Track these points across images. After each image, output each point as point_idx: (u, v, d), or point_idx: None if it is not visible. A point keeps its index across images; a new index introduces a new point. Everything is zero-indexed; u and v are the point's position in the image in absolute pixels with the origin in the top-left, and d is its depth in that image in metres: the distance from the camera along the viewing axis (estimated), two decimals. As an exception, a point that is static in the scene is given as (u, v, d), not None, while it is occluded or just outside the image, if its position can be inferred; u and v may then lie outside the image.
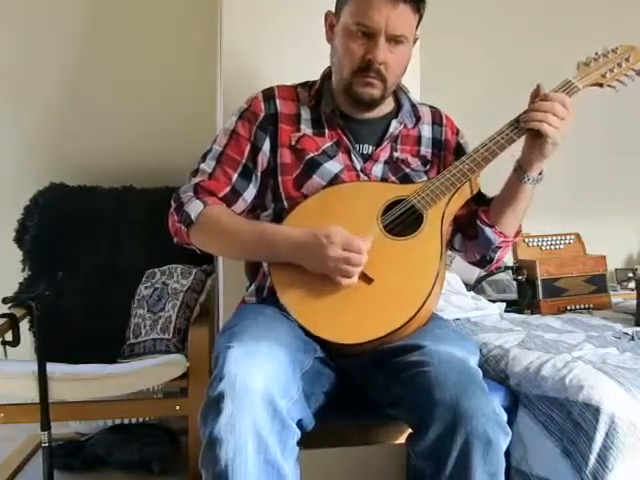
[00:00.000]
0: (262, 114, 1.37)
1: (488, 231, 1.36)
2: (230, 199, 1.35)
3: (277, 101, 1.38)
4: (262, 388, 1.01)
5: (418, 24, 1.33)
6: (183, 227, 1.32)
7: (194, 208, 1.30)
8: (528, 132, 1.27)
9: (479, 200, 1.39)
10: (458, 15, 2.54)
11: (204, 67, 2.35)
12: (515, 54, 2.61)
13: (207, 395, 1.04)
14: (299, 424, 1.10)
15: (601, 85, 1.33)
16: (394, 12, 1.25)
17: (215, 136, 1.41)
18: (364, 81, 1.31)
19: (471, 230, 1.40)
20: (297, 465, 1.07)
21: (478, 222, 1.37)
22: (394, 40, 1.28)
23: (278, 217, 1.36)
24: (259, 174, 1.37)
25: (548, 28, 2.63)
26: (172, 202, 1.36)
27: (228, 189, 1.35)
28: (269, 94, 1.40)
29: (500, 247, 1.39)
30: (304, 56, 1.71)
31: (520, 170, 1.31)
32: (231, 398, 1.00)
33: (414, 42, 1.36)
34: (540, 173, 1.31)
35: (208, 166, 1.36)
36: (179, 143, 2.38)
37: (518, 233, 1.41)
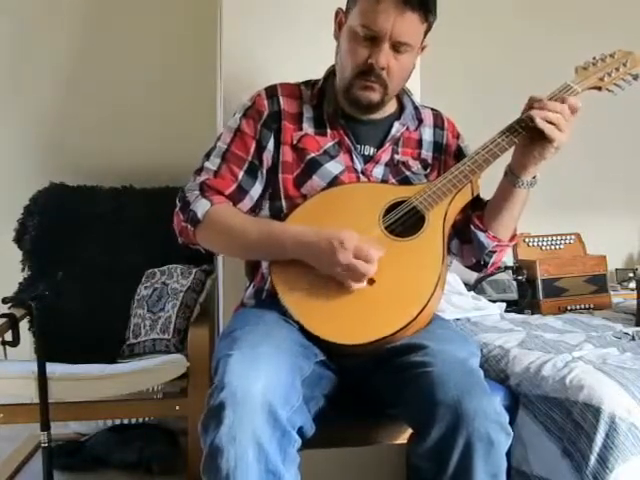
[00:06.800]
0: (266, 112, 1.36)
1: (482, 236, 1.36)
2: (236, 197, 1.34)
3: (280, 99, 1.38)
4: (262, 398, 1.01)
5: (427, 33, 1.32)
6: (189, 226, 1.30)
7: (201, 207, 1.29)
8: (530, 134, 1.25)
9: (473, 204, 1.38)
10: (458, 16, 2.53)
11: (204, 67, 2.34)
12: (515, 56, 2.61)
13: (208, 404, 1.04)
14: (299, 432, 1.09)
15: (599, 88, 1.33)
16: (400, 19, 1.24)
17: (219, 134, 1.40)
18: (364, 84, 1.30)
19: (466, 234, 1.39)
20: (298, 473, 1.07)
21: (472, 227, 1.36)
22: (398, 47, 1.27)
23: (276, 216, 1.35)
24: (264, 172, 1.36)
25: (548, 30, 2.63)
26: (177, 201, 1.35)
27: (234, 187, 1.34)
28: (272, 91, 1.39)
29: (495, 251, 1.39)
30: (304, 56, 1.71)
31: (512, 174, 1.30)
32: (232, 408, 1.00)
33: (422, 50, 1.35)
34: (534, 177, 1.30)
35: (213, 164, 1.35)
36: (179, 143, 2.37)
37: (513, 237, 1.40)
